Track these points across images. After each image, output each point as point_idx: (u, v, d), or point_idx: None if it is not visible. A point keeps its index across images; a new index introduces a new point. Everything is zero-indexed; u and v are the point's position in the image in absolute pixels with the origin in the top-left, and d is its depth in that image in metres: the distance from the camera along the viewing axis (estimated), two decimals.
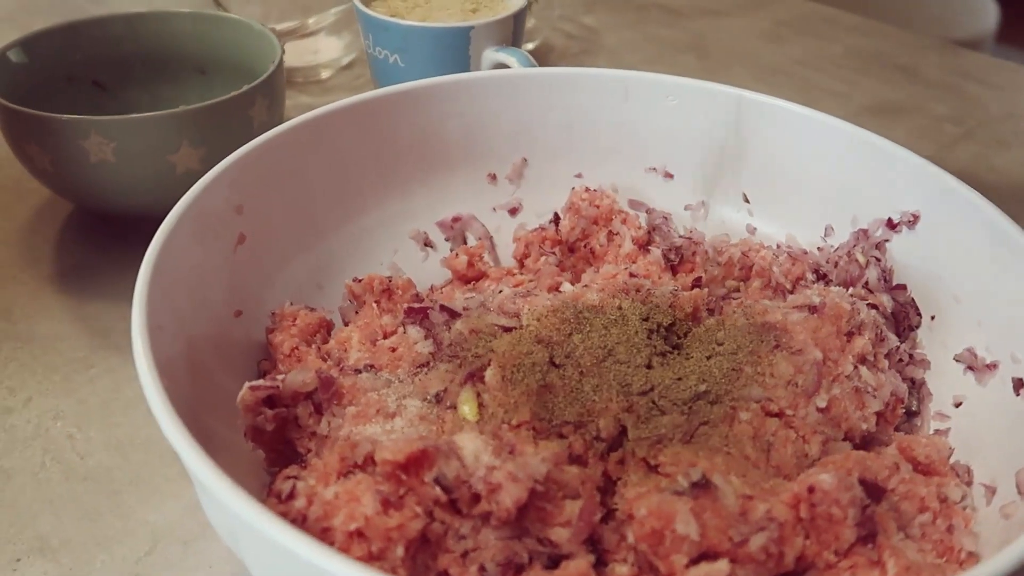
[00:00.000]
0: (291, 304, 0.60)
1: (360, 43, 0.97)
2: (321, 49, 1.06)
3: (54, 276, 0.76)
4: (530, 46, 1.15)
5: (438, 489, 0.43)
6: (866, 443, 0.54)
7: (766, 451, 0.49)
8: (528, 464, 0.44)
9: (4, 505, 0.58)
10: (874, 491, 0.46)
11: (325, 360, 0.57)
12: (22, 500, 0.58)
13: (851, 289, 0.61)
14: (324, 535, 0.42)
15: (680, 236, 0.67)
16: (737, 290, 0.65)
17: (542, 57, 1.16)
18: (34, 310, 0.73)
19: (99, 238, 0.80)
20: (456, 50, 0.87)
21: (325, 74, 1.09)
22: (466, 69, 0.88)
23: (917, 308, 0.61)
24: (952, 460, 0.53)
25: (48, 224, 0.82)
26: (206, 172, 0.57)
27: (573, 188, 0.70)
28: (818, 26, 1.28)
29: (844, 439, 0.52)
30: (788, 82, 1.11)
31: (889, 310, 0.60)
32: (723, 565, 0.42)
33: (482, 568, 0.43)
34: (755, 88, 0.67)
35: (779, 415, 0.51)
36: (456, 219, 0.70)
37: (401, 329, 0.57)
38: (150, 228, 0.52)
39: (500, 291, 0.59)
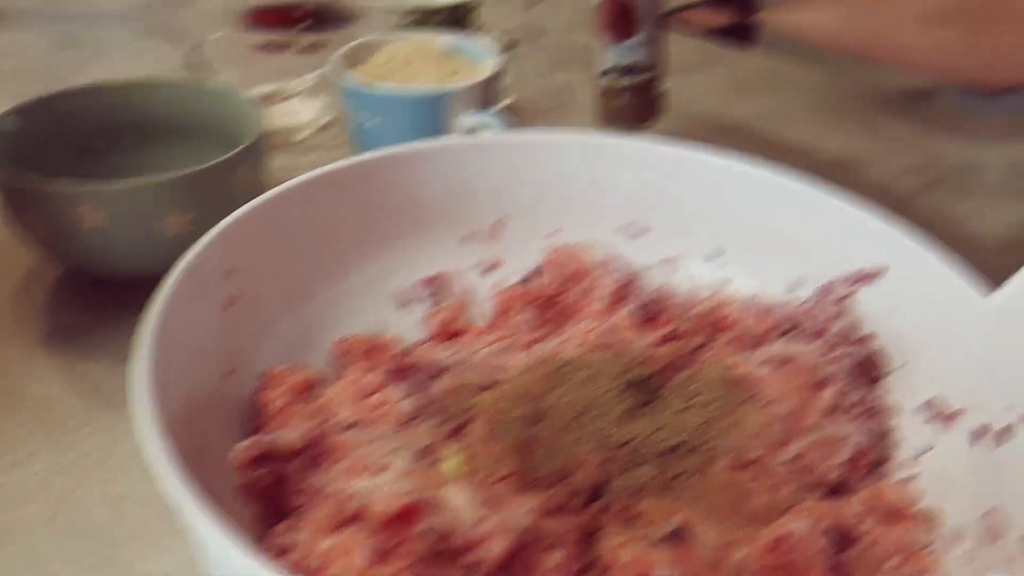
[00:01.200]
0: (281, 363, 0.62)
1: (337, 104, 0.99)
2: (299, 111, 1.08)
3: (46, 337, 0.77)
4: (505, 103, 1.17)
5: (428, 541, 0.45)
6: (836, 491, 0.55)
7: (740, 500, 0.51)
8: (513, 515, 0.46)
9: (3, 564, 0.59)
10: (844, 539, 0.48)
11: (314, 418, 0.59)
12: (21, 559, 0.59)
13: (818, 341, 0.63)
14: None
15: (652, 291, 0.70)
16: (708, 343, 0.68)
17: (516, 113, 1.18)
18: (27, 370, 0.74)
19: (88, 299, 0.81)
20: (433, 114, 0.89)
21: (303, 135, 1.11)
22: (443, 132, 0.90)
23: (882, 359, 0.63)
24: (918, 507, 0.55)
25: (38, 286, 0.83)
26: (195, 234, 0.59)
27: (549, 246, 0.73)
28: (777, 81, 1.30)
29: (815, 488, 0.54)
30: (750, 138, 1.13)
31: (855, 361, 0.62)
32: None
33: None
34: (719, 143, 0.70)
35: (752, 465, 0.53)
36: (436, 277, 0.72)
37: (386, 387, 0.59)
38: (139, 289, 0.54)
39: (481, 348, 0.61)
